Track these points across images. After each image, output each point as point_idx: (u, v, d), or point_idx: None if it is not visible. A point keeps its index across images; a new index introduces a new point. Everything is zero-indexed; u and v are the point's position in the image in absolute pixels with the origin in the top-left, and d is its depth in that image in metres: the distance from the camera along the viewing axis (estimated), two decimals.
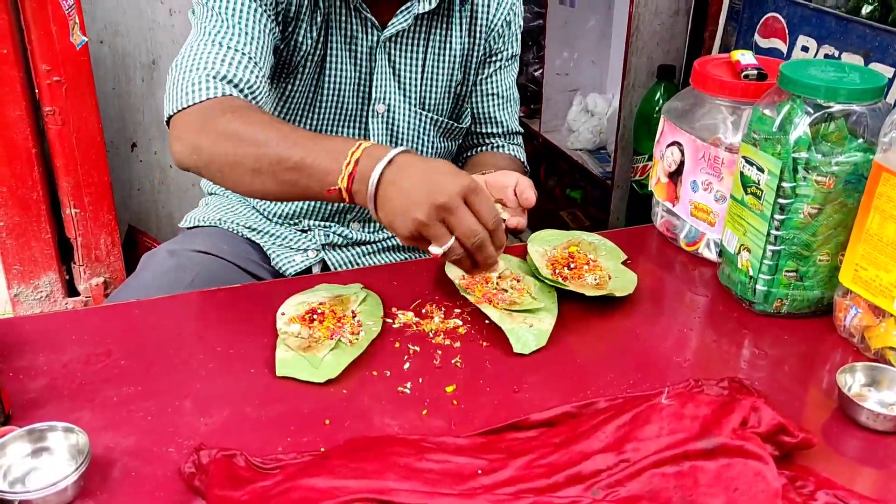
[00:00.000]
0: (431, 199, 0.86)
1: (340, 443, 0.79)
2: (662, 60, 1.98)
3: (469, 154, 1.45)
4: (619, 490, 0.72)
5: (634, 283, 1.09)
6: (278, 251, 1.30)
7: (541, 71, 2.62)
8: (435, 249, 0.88)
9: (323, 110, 1.27)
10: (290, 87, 1.24)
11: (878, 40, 1.35)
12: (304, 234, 1.32)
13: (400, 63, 1.28)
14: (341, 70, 1.25)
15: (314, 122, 1.27)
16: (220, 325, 1.00)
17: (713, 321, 1.06)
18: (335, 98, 1.26)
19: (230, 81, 1.05)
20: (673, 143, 1.19)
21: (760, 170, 0.99)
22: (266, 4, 1.13)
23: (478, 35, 1.32)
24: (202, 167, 1.00)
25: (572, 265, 1.11)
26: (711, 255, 1.18)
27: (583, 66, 2.60)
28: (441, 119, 1.34)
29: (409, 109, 1.30)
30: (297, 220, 1.33)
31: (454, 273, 1.07)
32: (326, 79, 1.24)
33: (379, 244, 1.36)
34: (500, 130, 1.42)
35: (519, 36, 1.38)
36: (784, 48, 1.55)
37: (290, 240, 1.32)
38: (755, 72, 1.12)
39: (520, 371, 0.93)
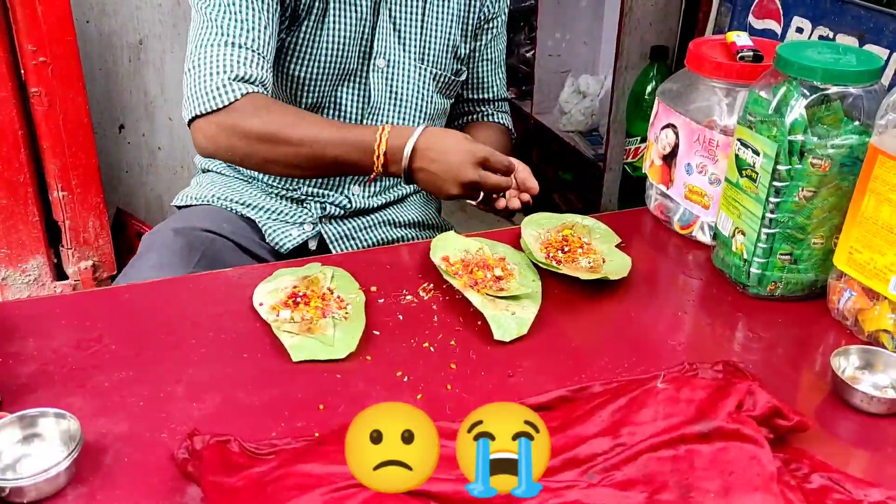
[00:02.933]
0: (459, 180, 1.07)
1: (335, 428, 0.78)
2: (655, 41, 1.97)
3: (458, 123, 1.49)
4: (615, 474, 0.72)
5: (628, 267, 1.08)
6: (273, 226, 1.29)
7: (532, 52, 2.61)
8: (471, 201, 1.13)
9: (323, 65, 1.26)
10: (290, 40, 1.24)
11: (872, 21, 1.34)
12: (300, 208, 1.32)
13: (400, 18, 1.29)
14: (343, 25, 1.25)
15: (313, 76, 1.27)
16: (211, 310, 0.99)
17: (707, 304, 1.05)
18: (335, 53, 1.26)
19: (248, 81, 1.13)
20: (667, 126, 1.18)
21: (756, 152, 0.99)
22: None
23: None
24: (236, 162, 1.18)
25: (566, 248, 1.10)
26: (705, 238, 1.17)
27: (575, 47, 2.59)
28: (440, 73, 1.35)
29: (410, 64, 1.32)
30: (295, 188, 1.32)
31: (439, 257, 1.07)
32: (328, 33, 1.24)
33: (377, 216, 1.35)
34: (489, 96, 1.47)
35: (508, 1, 1.42)
36: (778, 29, 1.54)
37: (286, 213, 1.31)
38: (751, 53, 1.11)
39: (514, 355, 0.92)
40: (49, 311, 0.97)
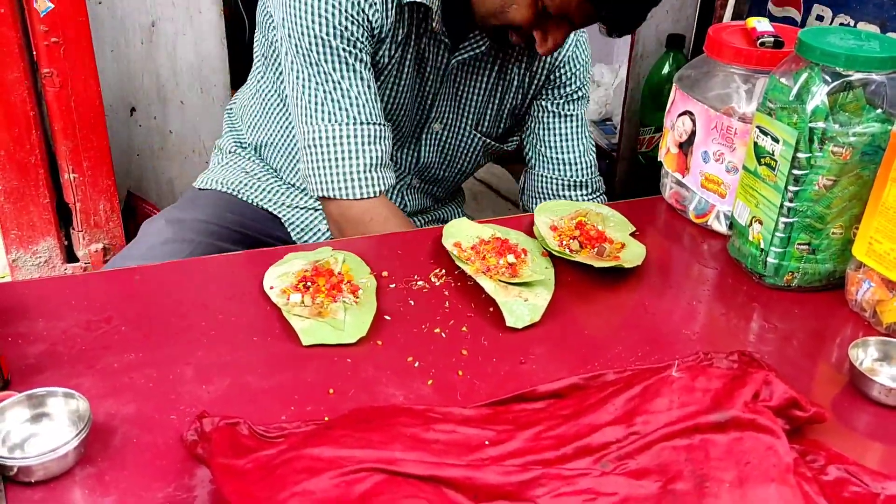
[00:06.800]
0: None
1: (345, 412, 0.78)
2: (672, 30, 1.94)
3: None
4: (629, 463, 0.71)
5: (643, 256, 1.07)
6: (301, 220, 1.28)
7: None
8: None
9: None
10: None
11: (895, 10, 1.32)
12: None
13: (463, 85, 1.27)
14: (406, 87, 1.22)
15: None
16: (222, 292, 0.98)
17: (722, 294, 1.04)
18: (394, 113, 1.24)
19: (384, 165, 1.14)
20: (684, 113, 1.16)
21: (775, 140, 0.97)
22: (364, 51, 1.11)
23: (541, 66, 1.30)
24: None
25: (579, 237, 1.09)
26: (721, 227, 1.16)
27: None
28: (492, 142, 1.33)
29: (465, 130, 1.30)
30: None
31: (451, 243, 1.06)
32: (391, 94, 1.22)
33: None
34: (579, 178, 1.35)
35: (587, 75, 1.34)
36: (798, 17, 1.52)
37: (314, 201, 1.30)
38: (771, 39, 1.09)
39: (526, 342, 0.91)
40: (58, 291, 0.97)
